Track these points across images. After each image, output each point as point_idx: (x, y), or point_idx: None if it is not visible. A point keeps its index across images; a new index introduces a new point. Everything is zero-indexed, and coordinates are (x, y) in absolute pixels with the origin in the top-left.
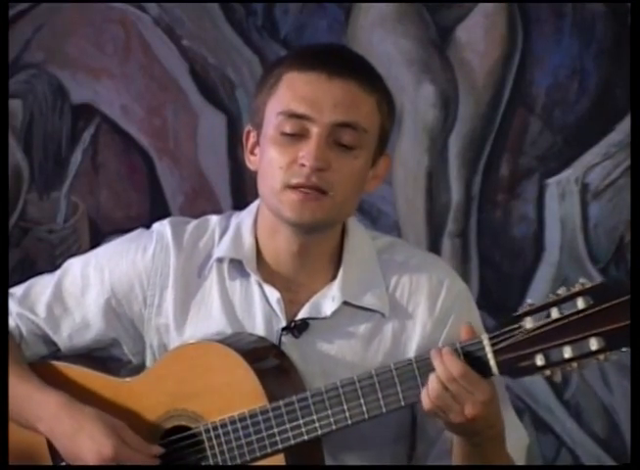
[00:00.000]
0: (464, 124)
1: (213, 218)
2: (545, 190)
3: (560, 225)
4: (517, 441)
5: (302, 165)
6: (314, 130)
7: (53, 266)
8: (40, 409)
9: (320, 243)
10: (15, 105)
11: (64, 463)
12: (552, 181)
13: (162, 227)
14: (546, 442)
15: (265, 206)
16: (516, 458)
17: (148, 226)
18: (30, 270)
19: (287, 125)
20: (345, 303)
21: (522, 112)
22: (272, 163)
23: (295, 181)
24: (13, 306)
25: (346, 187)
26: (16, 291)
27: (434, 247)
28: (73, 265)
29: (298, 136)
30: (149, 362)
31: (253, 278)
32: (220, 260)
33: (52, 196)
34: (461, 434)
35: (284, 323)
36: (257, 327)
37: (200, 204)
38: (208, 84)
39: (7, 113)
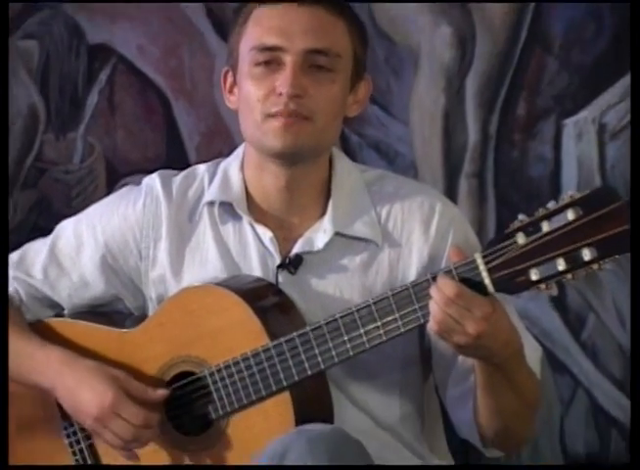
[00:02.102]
0: (481, 64)
1: (201, 167)
2: (562, 130)
3: (577, 165)
4: (532, 353)
5: (280, 94)
6: (288, 59)
7: (69, 207)
8: (42, 367)
9: (307, 175)
10: (31, 46)
11: (73, 429)
12: (569, 121)
13: (151, 180)
14: (563, 383)
15: (249, 143)
16: (534, 370)
17: (165, 167)
18: (47, 211)
19: (260, 58)
20: (337, 234)
21: (539, 51)
22: (250, 96)
23: (274, 110)
24: (9, 271)
25: (326, 112)
26: (11, 257)
27: (451, 187)
28: (66, 227)
29: (273, 68)
30: (151, 314)
31: (245, 219)
32: (211, 204)
33: (68, 136)
34: (474, 356)
35: (278, 261)
36: (254, 267)
37: (216, 144)
38: (225, 24)
39: (7, 112)
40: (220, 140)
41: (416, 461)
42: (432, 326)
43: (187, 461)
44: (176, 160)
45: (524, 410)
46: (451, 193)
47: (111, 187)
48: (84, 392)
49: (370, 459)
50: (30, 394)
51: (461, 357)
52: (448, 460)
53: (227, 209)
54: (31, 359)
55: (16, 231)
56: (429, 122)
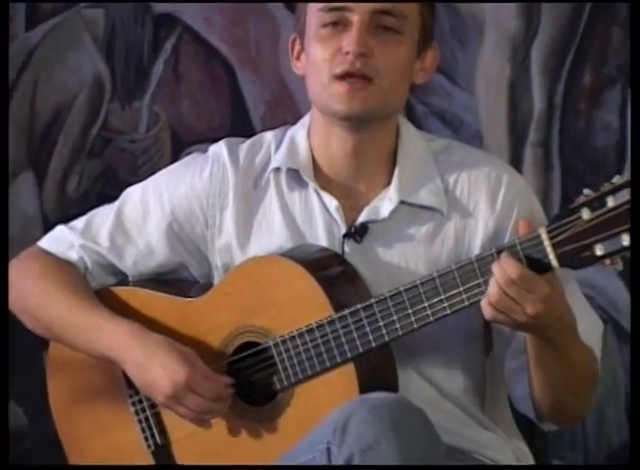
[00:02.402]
0: (546, 33)
1: (268, 134)
2: (628, 99)
3: None
4: (591, 328)
5: (346, 53)
6: (354, 18)
7: (135, 176)
8: (111, 339)
9: (374, 142)
10: (97, 14)
11: (139, 397)
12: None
13: (218, 148)
14: (627, 351)
15: (316, 107)
16: (592, 346)
17: (230, 137)
18: (113, 180)
19: (327, 18)
20: (403, 202)
21: (605, 20)
22: (317, 57)
23: (340, 70)
24: (75, 239)
25: (392, 73)
26: (76, 224)
27: (516, 157)
28: (132, 194)
29: (340, 29)
30: (216, 282)
31: (311, 187)
32: (277, 171)
33: (134, 106)
34: (530, 332)
35: (344, 230)
36: (319, 236)
37: (281, 113)
38: None
39: (7, 112)
40: (285, 109)
41: (480, 431)
42: (485, 307)
43: (251, 431)
44: (241, 129)
45: (577, 385)
46: (516, 162)
47: (176, 156)
48: (156, 368)
49: (433, 428)
50: (95, 362)
51: (518, 333)
52: (514, 431)
53: (293, 176)
54: (99, 331)
55: (82, 201)
56: (494, 91)
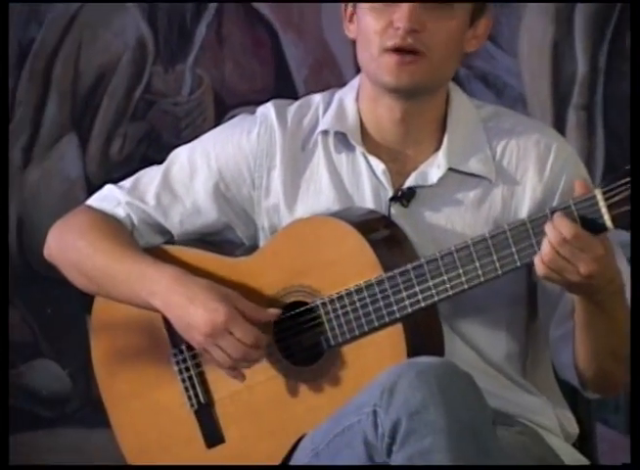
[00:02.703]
0: None
1: (317, 96)
2: None
3: None
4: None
5: (397, 28)
6: None
7: (178, 139)
8: (154, 284)
9: (423, 110)
10: None
11: (183, 346)
12: None
13: (266, 109)
14: None
15: (365, 74)
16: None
17: (272, 99)
18: (156, 142)
19: None
20: (451, 169)
21: None
22: (368, 29)
23: (390, 44)
24: (122, 197)
25: (443, 48)
26: (124, 183)
27: (560, 120)
28: (180, 154)
29: (393, 2)
30: (262, 244)
31: (359, 150)
32: (325, 134)
33: (177, 69)
34: (581, 293)
35: (391, 193)
36: (366, 199)
37: (324, 76)
38: None
39: (7, 112)
40: (328, 72)
41: (524, 395)
42: (538, 265)
43: (296, 391)
44: (284, 92)
45: (622, 352)
46: (560, 125)
47: (219, 119)
48: (196, 308)
49: (479, 392)
50: (138, 323)
51: (565, 299)
52: (557, 397)
53: (341, 139)
54: (143, 278)
55: (125, 163)
56: (537, 54)
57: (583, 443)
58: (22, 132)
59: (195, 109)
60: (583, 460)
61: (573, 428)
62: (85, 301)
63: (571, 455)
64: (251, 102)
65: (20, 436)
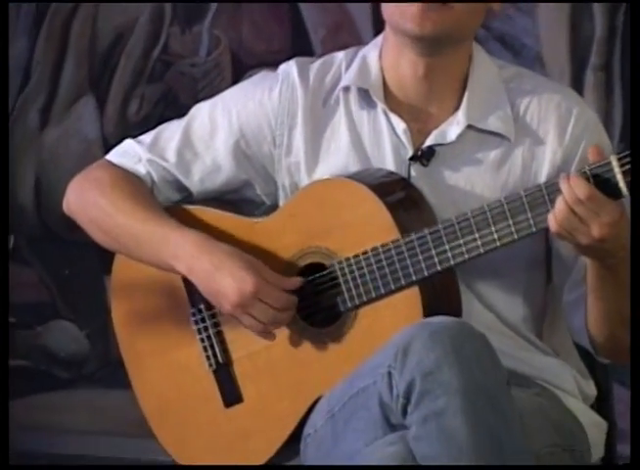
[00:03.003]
0: None
1: (339, 54)
2: None
3: None
4: None
5: None
6: None
7: (196, 100)
8: (178, 249)
9: (446, 66)
10: None
11: (202, 306)
12: None
13: (288, 67)
14: None
15: (388, 25)
16: None
17: (291, 58)
18: (174, 104)
19: None
20: (470, 126)
21: None
22: None
23: None
24: (143, 153)
25: None
26: (144, 139)
27: (577, 80)
28: (201, 110)
29: None
30: (282, 203)
31: (380, 108)
32: (346, 90)
33: (194, 30)
34: (593, 256)
35: (411, 153)
36: (386, 158)
37: (341, 37)
38: None
39: (7, 112)
40: (345, 33)
41: (541, 357)
42: (551, 222)
43: (313, 352)
44: (301, 52)
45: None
46: (577, 86)
47: (236, 80)
48: (224, 277)
49: (494, 352)
50: (158, 282)
51: (579, 264)
52: (575, 359)
53: (363, 95)
54: (166, 241)
55: (142, 125)
56: (555, 14)
57: (601, 404)
58: (40, 93)
59: (212, 70)
60: (601, 422)
61: (591, 389)
62: (104, 261)
63: (588, 417)
64: (269, 63)
65: (37, 397)
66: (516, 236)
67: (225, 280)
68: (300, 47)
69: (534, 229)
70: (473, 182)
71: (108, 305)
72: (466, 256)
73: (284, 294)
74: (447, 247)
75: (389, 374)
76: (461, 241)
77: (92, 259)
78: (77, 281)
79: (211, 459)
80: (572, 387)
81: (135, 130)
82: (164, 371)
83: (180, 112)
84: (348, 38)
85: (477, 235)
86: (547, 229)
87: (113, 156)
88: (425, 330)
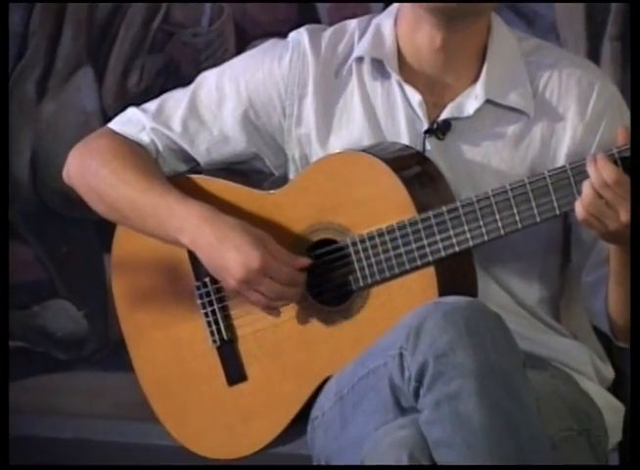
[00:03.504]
0: None
1: (352, 22)
2: None
3: None
4: None
5: None
6: None
7: (198, 71)
8: (182, 221)
9: (463, 38)
10: None
11: (207, 279)
12: None
13: (299, 35)
14: None
15: None
16: None
17: (297, 28)
18: (175, 75)
19: None
20: (489, 101)
21: None
22: None
23: None
24: (147, 121)
25: None
26: (148, 106)
27: (594, 51)
28: (208, 78)
29: None
30: (292, 175)
31: (394, 79)
32: (360, 60)
33: None
34: (618, 243)
35: (426, 126)
36: (400, 131)
37: (349, 6)
38: None
39: (7, 112)
40: (353, 3)
41: (558, 339)
42: (578, 209)
43: (322, 331)
44: (307, 22)
45: None
46: (594, 56)
47: (240, 50)
48: (229, 251)
49: (509, 333)
50: (162, 254)
51: (599, 246)
52: (592, 342)
53: (377, 66)
54: (170, 213)
55: (142, 97)
56: None
57: (618, 387)
58: (37, 65)
59: (215, 40)
60: (618, 405)
61: (609, 372)
62: (103, 239)
63: (605, 400)
64: (274, 33)
65: (35, 379)
66: (538, 219)
67: (230, 254)
68: (306, 17)
69: (558, 212)
70: (490, 158)
71: (107, 284)
72: (485, 237)
73: (291, 269)
74: (466, 227)
75: (401, 355)
76: (481, 222)
77: (91, 237)
78: (75, 259)
79: (212, 438)
80: (589, 369)
81: (135, 102)
82: (166, 346)
83: (182, 83)
84: (356, 8)
85: (497, 216)
86: (569, 210)
87: (115, 124)
88: (438, 310)
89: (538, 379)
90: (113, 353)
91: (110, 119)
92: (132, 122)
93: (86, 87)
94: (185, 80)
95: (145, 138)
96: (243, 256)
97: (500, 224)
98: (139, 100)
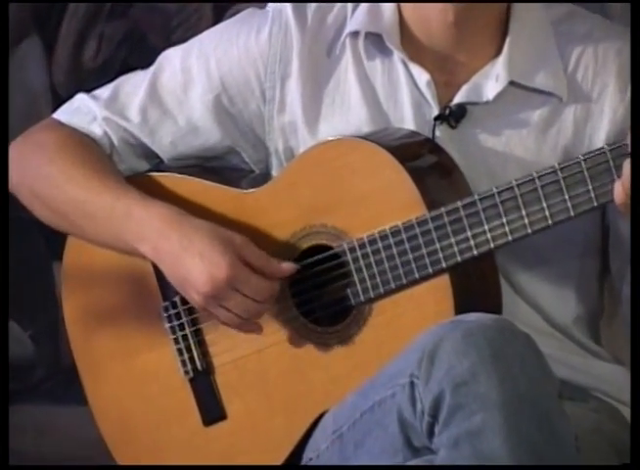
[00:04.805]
0: None
1: None
2: None
3: None
4: None
5: None
6: None
7: (167, 41)
8: (143, 227)
9: (481, 9)
10: None
11: (176, 298)
12: None
13: (280, 4)
14: None
15: None
16: None
17: None
18: (140, 47)
19: None
20: (512, 83)
21: None
22: None
23: None
24: (99, 110)
25: None
26: (101, 93)
27: None
28: (171, 57)
29: None
30: (275, 171)
31: (397, 56)
32: (354, 36)
33: None
34: None
35: (436, 111)
36: (405, 118)
37: None
38: None
39: (7, 112)
40: None
41: (599, 364)
42: (618, 191)
43: (316, 357)
44: None
45: None
46: None
47: (218, 17)
48: (191, 258)
49: (542, 357)
50: (122, 268)
51: None
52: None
53: (375, 41)
54: (128, 217)
55: (101, 72)
56: None
57: None
58: None
59: (188, 4)
60: None
61: None
62: (53, 244)
63: None
64: None
65: None
66: (572, 212)
67: (193, 264)
68: None
69: (595, 204)
70: (512, 148)
71: (57, 299)
72: (509, 237)
73: (264, 282)
74: (486, 226)
75: (412, 385)
76: (504, 219)
77: (38, 242)
78: (20, 269)
79: None
80: None
81: (92, 79)
82: (128, 380)
83: (149, 56)
84: None
85: (523, 212)
86: (607, 202)
87: (61, 114)
88: (456, 330)
89: (577, 413)
90: (64, 383)
91: (61, 101)
92: (81, 112)
93: (32, 61)
94: (153, 53)
95: (97, 130)
96: (208, 264)
97: (527, 221)
98: (96, 76)
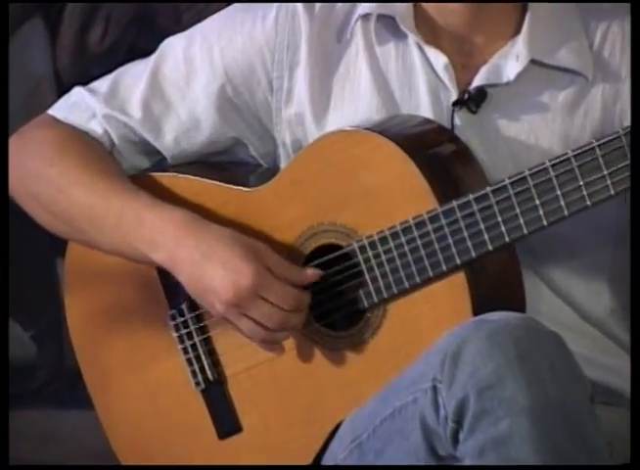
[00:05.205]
0: None
1: None
2: None
3: None
4: None
5: None
6: None
7: (177, 24)
8: (156, 233)
9: None
10: None
11: (183, 306)
12: None
13: None
14: None
15: None
16: None
17: None
18: (148, 30)
19: None
20: (534, 62)
21: None
22: None
23: None
24: (98, 107)
25: None
26: (99, 86)
27: None
28: (173, 46)
29: None
30: (283, 164)
31: (412, 39)
32: (366, 19)
33: None
34: None
35: (455, 96)
36: (421, 104)
37: None
38: None
39: (7, 112)
40: None
41: (628, 362)
42: None
43: (332, 363)
44: None
45: None
46: None
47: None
48: (214, 268)
49: (572, 357)
50: (126, 273)
51: None
52: None
53: (388, 24)
54: (139, 223)
55: (107, 56)
56: None
57: None
58: None
59: None
60: None
61: None
62: (57, 241)
63: None
64: None
65: None
66: (588, 202)
67: (216, 272)
68: None
69: (612, 192)
70: (537, 132)
71: (61, 298)
72: (525, 230)
73: (293, 289)
74: (499, 219)
75: (435, 389)
76: (517, 211)
77: (42, 239)
78: (22, 265)
79: None
80: None
81: (97, 64)
82: (139, 393)
83: (158, 40)
84: None
85: (537, 202)
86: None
87: (58, 110)
88: (480, 330)
89: (611, 417)
90: (68, 386)
91: (65, 86)
92: (79, 108)
93: (36, 45)
94: (161, 36)
95: (96, 128)
96: (231, 273)
97: (542, 212)
98: (103, 61)
